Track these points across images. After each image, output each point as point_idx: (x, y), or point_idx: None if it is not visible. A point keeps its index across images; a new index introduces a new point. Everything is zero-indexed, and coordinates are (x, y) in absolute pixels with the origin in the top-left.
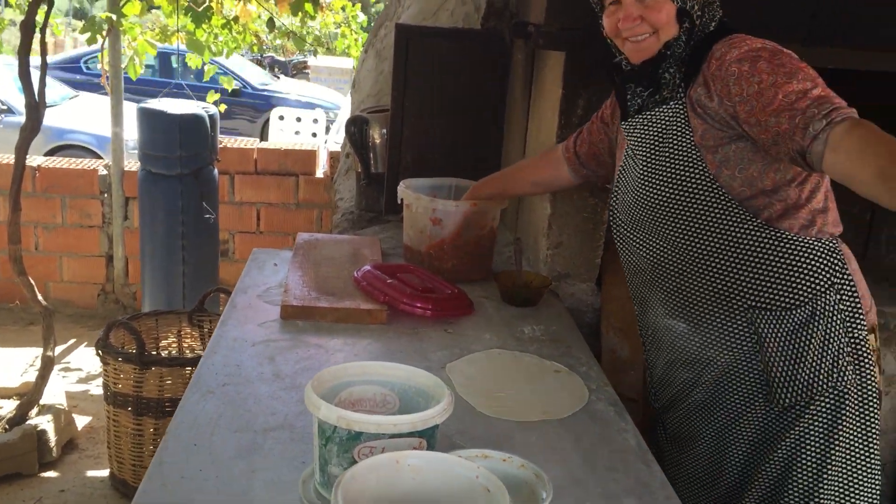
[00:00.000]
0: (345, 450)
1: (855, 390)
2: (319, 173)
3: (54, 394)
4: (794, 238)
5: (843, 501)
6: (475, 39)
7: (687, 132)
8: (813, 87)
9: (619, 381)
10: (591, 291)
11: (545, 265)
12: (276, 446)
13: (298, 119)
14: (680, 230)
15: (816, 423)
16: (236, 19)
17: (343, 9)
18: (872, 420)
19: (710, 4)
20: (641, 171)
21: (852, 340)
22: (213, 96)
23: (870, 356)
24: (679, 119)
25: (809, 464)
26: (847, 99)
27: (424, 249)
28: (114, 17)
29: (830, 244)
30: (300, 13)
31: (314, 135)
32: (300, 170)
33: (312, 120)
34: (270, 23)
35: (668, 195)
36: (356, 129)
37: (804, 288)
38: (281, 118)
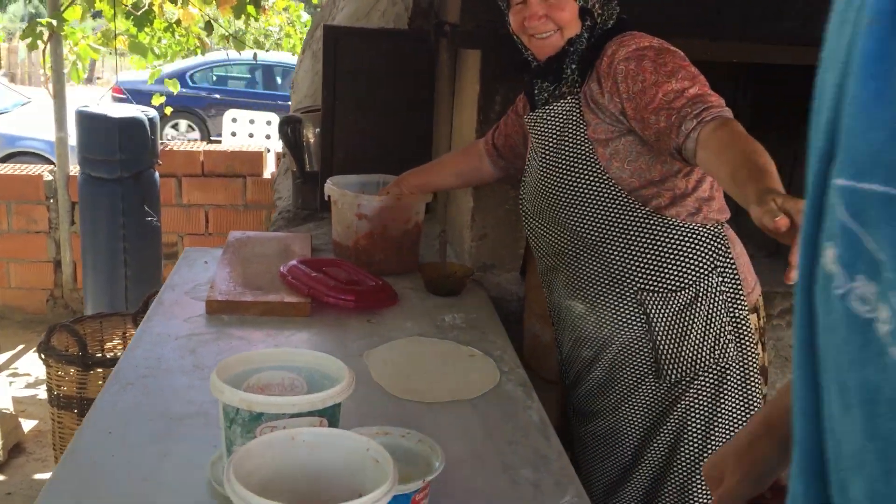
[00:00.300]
0: (247, 430)
1: (736, 366)
2: (267, 174)
3: (1, 399)
4: (681, 225)
5: None
6: (402, 39)
7: (581, 126)
8: (690, 85)
9: (541, 365)
10: (514, 281)
11: (470, 256)
12: (190, 432)
13: (252, 121)
14: (575, 219)
15: (701, 397)
16: (178, 22)
17: (286, 9)
18: (753, 393)
19: (609, 2)
20: (541, 163)
21: (734, 319)
22: (157, 99)
23: (751, 334)
24: (574, 113)
25: (695, 434)
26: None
27: (351, 244)
28: (54, 22)
29: (715, 230)
30: (243, 15)
31: (268, 136)
32: (247, 171)
33: (266, 122)
34: (208, 26)
35: (563, 186)
36: (290, 128)
37: (689, 271)
38: (234, 120)
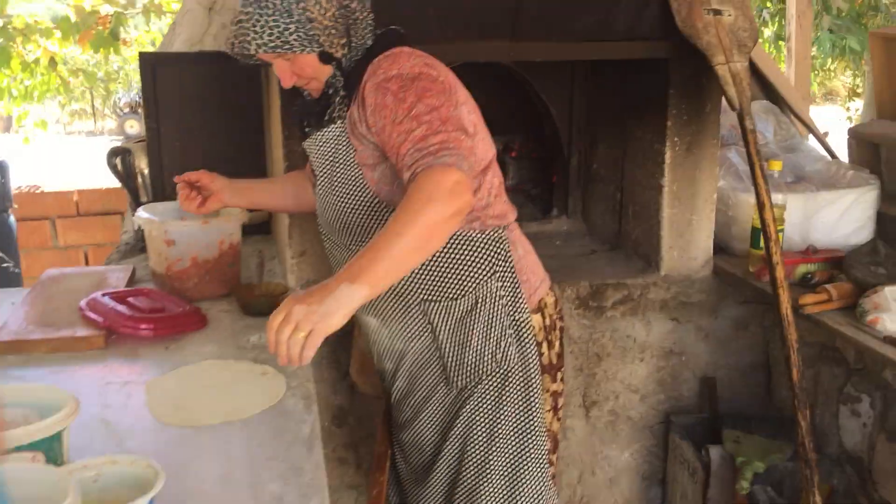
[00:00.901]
0: None
1: (518, 368)
2: None
3: None
4: (458, 234)
5: (512, 469)
6: (225, 60)
7: (350, 151)
8: (417, 126)
9: (365, 381)
10: None
11: (292, 273)
12: None
13: None
14: (353, 240)
15: (485, 400)
16: (37, 61)
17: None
18: (534, 393)
19: (354, 26)
20: (321, 188)
21: (514, 322)
22: (26, 141)
23: (531, 336)
24: (342, 139)
25: (480, 438)
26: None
27: (164, 271)
28: None
29: (495, 234)
30: (102, 49)
31: None
32: (125, 207)
33: None
34: (52, 62)
35: (340, 210)
36: (119, 160)
37: (468, 278)
38: None
